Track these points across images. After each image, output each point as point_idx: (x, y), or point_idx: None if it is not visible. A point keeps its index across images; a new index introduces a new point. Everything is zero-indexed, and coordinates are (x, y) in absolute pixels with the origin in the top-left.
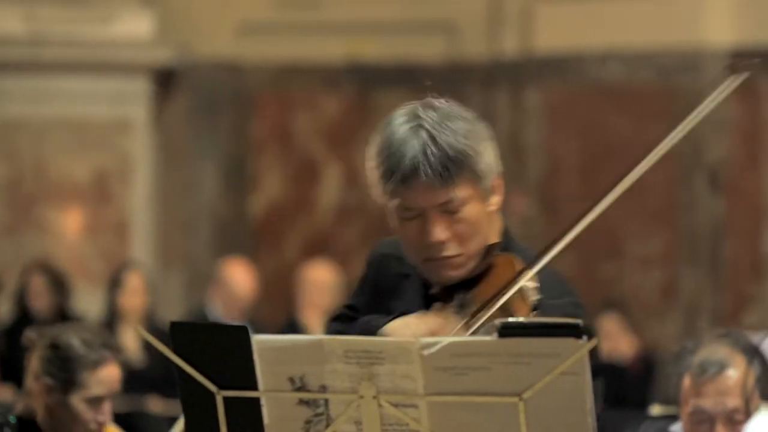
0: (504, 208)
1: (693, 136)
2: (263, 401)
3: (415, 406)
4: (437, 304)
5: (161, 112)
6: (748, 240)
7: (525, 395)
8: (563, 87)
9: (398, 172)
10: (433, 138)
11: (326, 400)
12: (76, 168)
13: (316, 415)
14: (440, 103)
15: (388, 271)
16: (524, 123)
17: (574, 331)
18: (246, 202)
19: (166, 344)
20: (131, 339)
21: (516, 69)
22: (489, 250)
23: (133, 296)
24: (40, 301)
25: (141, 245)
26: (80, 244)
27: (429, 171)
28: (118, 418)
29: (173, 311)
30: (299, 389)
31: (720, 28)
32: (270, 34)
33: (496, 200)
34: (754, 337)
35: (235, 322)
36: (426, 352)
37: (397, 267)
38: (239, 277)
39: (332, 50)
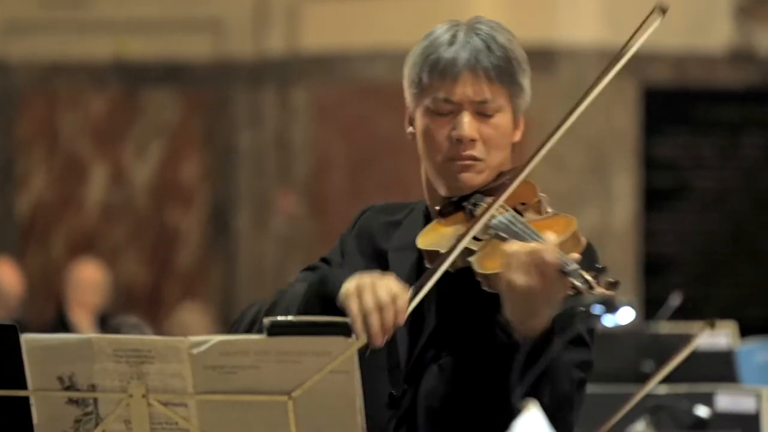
0: (275, 208)
1: None
2: (32, 400)
3: (184, 405)
4: (438, 219)
5: None
6: None
7: (294, 394)
8: (330, 86)
9: (451, 59)
10: (492, 36)
11: (95, 399)
12: None
13: (86, 414)
14: (490, 20)
15: (376, 221)
16: (291, 121)
17: (343, 330)
18: (13, 200)
19: None
20: None
21: (283, 67)
22: (501, 174)
23: None
24: None
25: None
26: None
27: (485, 61)
28: None
29: None
30: (68, 388)
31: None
32: (36, 33)
33: (518, 134)
34: None
35: (4, 321)
36: (195, 351)
37: (385, 218)
38: (5, 276)
39: (99, 48)
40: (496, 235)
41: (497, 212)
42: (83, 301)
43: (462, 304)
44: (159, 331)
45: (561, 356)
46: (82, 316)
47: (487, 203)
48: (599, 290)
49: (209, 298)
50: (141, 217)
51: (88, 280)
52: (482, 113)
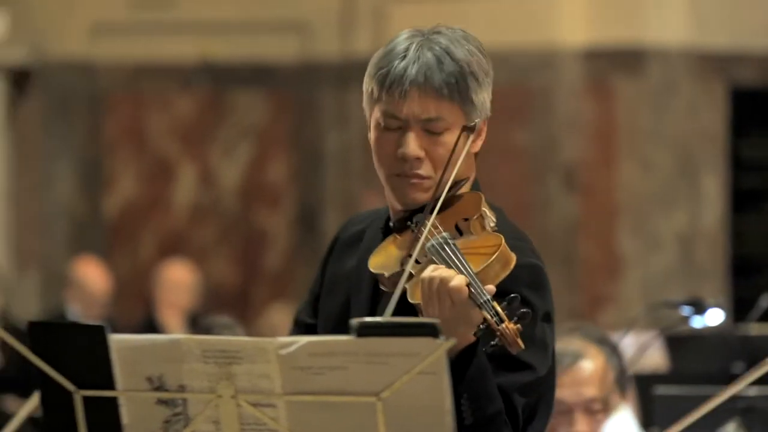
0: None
1: (547, 135)
2: (122, 401)
3: (273, 406)
4: (393, 235)
5: (15, 113)
6: (602, 239)
7: (383, 395)
8: None
9: (398, 76)
10: (447, 51)
11: (184, 400)
12: None
13: (175, 414)
14: (453, 28)
15: (347, 233)
16: None
17: (431, 331)
18: (101, 201)
19: (24, 344)
20: None
21: None
22: (457, 183)
23: None
24: None
25: None
26: None
27: (433, 79)
28: None
29: (29, 311)
30: (157, 389)
31: (573, 28)
32: (123, 34)
33: (478, 143)
34: (611, 337)
35: (93, 322)
36: (283, 352)
37: (354, 227)
38: (93, 277)
39: (185, 50)
40: (431, 259)
41: (432, 234)
42: (172, 302)
43: None
44: (248, 331)
45: (490, 379)
46: (170, 316)
47: (423, 225)
48: (508, 326)
49: (297, 299)
50: (229, 218)
51: (177, 281)
52: (430, 131)
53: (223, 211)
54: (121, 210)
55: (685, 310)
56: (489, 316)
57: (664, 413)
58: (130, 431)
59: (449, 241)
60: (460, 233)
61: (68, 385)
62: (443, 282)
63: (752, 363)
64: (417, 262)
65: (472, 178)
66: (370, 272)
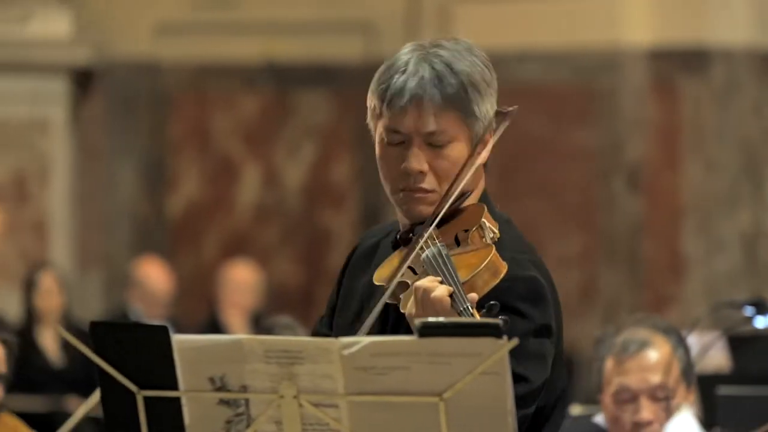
0: None
1: (612, 135)
2: (184, 401)
3: (335, 406)
4: (400, 248)
5: (80, 112)
6: (666, 239)
7: (445, 395)
8: None
9: (398, 90)
10: (447, 64)
11: (247, 400)
12: None
13: (237, 415)
14: (457, 40)
15: (363, 246)
16: None
17: (494, 331)
18: (164, 201)
19: (86, 344)
20: (50, 340)
21: None
22: (462, 195)
23: (49, 297)
24: None
25: (59, 245)
26: None
27: (432, 93)
28: (38, 418)
29: (92, 311)
30: (219, 389)
31: (638, 28)
32: (187, 34)
33: (484, 154)
34: None
35: (156, 322)
36: (346, 352)
37: (369, 240)
38: (156, 277)
39: (250, 50)
40: (425, 270)
41: (428, 245)
42: (236, 302)
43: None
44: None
45: None
46: (234, 317)
47: (420, 236)
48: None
49: None
50: (293, 218)
51: (241, 281)
52: (432, 144)
53: (287, 212)
54: (185, 210)
55: (748, 311)
56: None
57: (727, 414)
58: (192, 431)
59: (441, 251)
60: (458, 244)
61: (130, 386)
62: (426, 291)
63: None
64: (414, 272)
65: (480, 190)
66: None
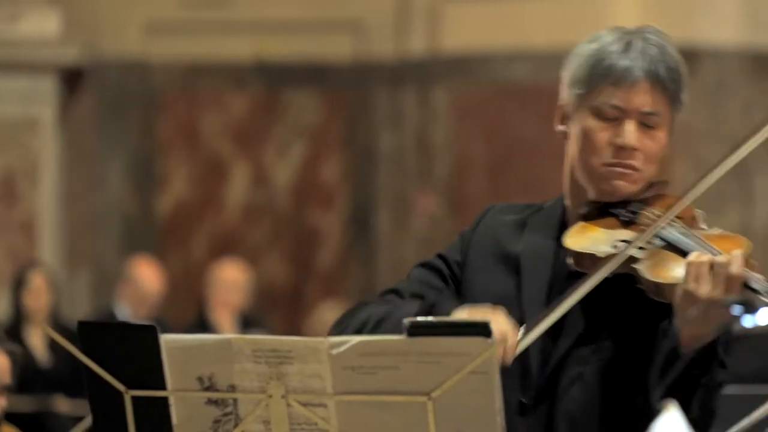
0: (415, 209)
1: None
2: (172, 401)
3: (324, 406)
4: (582, 222)
5: (68, 112)
6: None
7: (434, 394)
8: (470, 86)
9: (627, 67)
10: (664, 47)
11: (235, 400)
12: None
13: (225, 414)
14: (654, 28)
15: (501, 221)
16: (431, 122)
17: (483, 330)
18: (153, 201)
19: (74, 344)
20: (37, 339)
21: (423, 68)
22: (652, 185)
23: (37, 296)
24: None
25: (48, 245)
26: None
27: (662, 72)
28: (25, 418)
29: (80, 310)
30: (207, 389)
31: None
32: (177, 33)
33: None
34: None
35: (144, 321)
36: (334, 351)
37: (509, 217)
38: (146, 276)
39: (239, 49)
40: (667, 245)
41: (665, 224)
42: (225, 301)
43: (612, 309)
44: (299, 330)
45: (718, 374)
46: (223, 316)
47: (656, 213)
48: None
49: (349, 298)
50: (282, 217)
51: (230, 281)
52: (646, 124)
53: (276, 211)
54: (174, 209)
55: (736, 310)
56: (765, 299)
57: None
58: (179, 431)
59: (694, 230)
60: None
61: (118, 385)
62: (721, 265)
63: None
64: (640, 248)
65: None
66: (547, 258)
